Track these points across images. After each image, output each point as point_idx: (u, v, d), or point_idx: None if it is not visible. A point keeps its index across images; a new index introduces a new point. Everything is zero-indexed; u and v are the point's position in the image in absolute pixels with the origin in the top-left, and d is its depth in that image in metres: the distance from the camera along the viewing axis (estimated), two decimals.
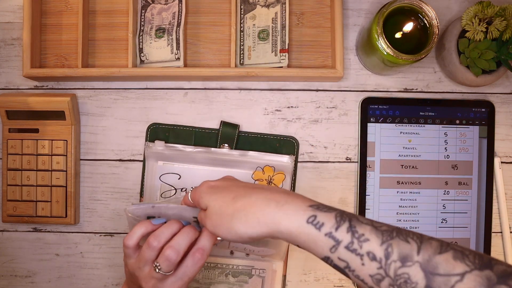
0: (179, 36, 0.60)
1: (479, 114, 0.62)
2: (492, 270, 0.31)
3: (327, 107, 0.63)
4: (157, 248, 0.44)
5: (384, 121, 0.62)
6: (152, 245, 0.44)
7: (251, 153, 0.60)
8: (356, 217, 0.37)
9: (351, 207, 0.62)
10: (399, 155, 0.62)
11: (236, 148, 0.61)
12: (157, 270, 0.43)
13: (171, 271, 0.44)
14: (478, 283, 0.31)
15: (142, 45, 0.61)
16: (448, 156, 0.62)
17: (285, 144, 0.61)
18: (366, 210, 0.61)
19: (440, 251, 0.33)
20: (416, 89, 0.63)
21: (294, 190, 0.62)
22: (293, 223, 0.37)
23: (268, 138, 0.62)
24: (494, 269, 0.31)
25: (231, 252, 0.58)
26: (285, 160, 0.60)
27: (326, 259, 0.37)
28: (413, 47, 0.56)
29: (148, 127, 0.62)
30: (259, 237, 0.39)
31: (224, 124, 0.61)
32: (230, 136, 0.61)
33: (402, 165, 0.62)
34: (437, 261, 0.32)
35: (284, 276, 0.60)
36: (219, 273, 0.59)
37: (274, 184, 0.60)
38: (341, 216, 0.37)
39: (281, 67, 0.61)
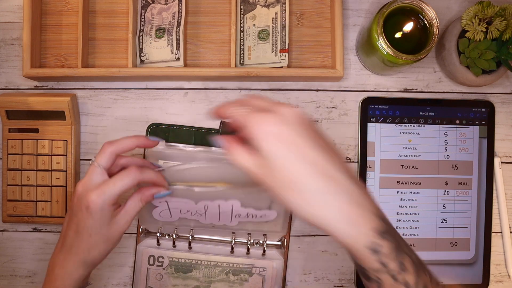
0: (179, 36, 0.60)
1: (479, 114, 0.62)
2: None
3: (327, 107, 0.63)
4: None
5: (384, 121, 0.62)
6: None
7: None
8: (401, 247, 0.38)
9: None
10: (399, 155, 0.62)
11: None
12: (90, 162, 0.47)
13: (102, 165, 0.46)
14: None
15: (142, 45, 0.61)
16: (448, 156, 0.62)
17: None
18: None
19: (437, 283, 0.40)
20: (416, 89, 0.63)
21: None
22: (351, 241, 0.36)
23: None
24: None
25: (232, 250, 0.59)
26: None
27: (362, 270, 0.38)
28: (413, 47, 0.56)
29: (148, 127, 0.62)
30: (319, 228, 0.36)
31: (223, 124, 0.61)
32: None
33: (402, 165, 0.62)
34: None
35: (284, 277, 0.60)
36: (219, 272, 0.59)
37: None
38: (397, 249, 0.37)
39: (281, 67, 0.61)
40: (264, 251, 0.58)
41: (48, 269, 0.48)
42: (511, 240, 0.62)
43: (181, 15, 0.61)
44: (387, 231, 0.36)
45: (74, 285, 0.47)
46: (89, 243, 0.46)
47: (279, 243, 0.60)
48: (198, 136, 0.61)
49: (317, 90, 0.63)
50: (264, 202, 0.55)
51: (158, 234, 0.58)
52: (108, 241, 0.47)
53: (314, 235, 0.62)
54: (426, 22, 0.55)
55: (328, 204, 0.35)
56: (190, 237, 0.58)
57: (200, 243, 0.59)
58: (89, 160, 0.62)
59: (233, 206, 0.55)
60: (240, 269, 0.59)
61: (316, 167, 0.35)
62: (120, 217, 0.47)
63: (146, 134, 0.62)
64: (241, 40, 0.62)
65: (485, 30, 0.55)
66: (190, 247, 0.59)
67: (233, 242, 0.58)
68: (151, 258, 0.59)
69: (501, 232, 0.63)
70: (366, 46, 0.58)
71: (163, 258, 0.59)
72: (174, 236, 0.58)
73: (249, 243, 0.58)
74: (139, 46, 0.61)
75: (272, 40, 0.62)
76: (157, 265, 0.59)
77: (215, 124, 0.62)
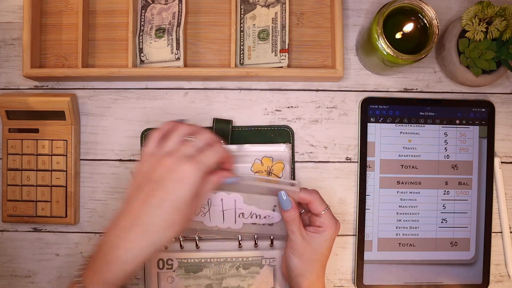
0: (179, 36, 0.60)
1: (479, 114, 0.62)
2: None
3: (327, 107, 0.63)
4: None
5: (384, 121, 0.62)
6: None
7: (247, 146, 0.60)
8: None
9: (351, 207, 0.62)
10: (399, 155, 0.62)
11: (231, 143, 0.61)
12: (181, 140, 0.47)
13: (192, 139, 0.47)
14: None
15: (142, 45, 0.61)
16: (448, 156, 0.62)
17: (280, 134, 0.61)
18: (366, 210, 0.61)
19: None
20: (416, 89, 0.63)
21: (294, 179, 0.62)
22: None
23: (262, 130, 0.61)
24: None
25: (239, 245, 0.59)
26: (282, 149, 0.60)
27: None
28: (413, 47, 0.56)
29: (142, 133, 0.62)
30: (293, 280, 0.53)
31: (217, 121, 0.61)
32: (224, 132, 0.61)
33: (402, 165, 0.62)
34: None
35: None
36: (229, 267, 0.59)
37: (274, 174, 0.60)
38: None
39: (281, 67, 0.61)
40: (272, 241, 0.58)
41: (102, 248, 0.44)
42: (511, 240, 0.62)
43: (181, 15, 0.61)
44: None
45: (132, 270, 0.43)
46: (171, 219, 0.43)
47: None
48: None
49: (317, 90, 0.63)
50: (267, 204, 0.55)
51: None
52: (187, 218, 0.45)
53: None
54: (426, 22, 0.55)
55: (312, 278, 0.53)
56: (197, 238, 0.58)
57: (207, 241, 0.59)
58: (89, 160, 0.62)
59: (235, 202, 0.55)
60: (249, 262, 0.59)
61: (325, 261, 0.54)
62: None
63: (141, 140, 0.62)
64: (241, 40, 0.62)
65: (485, 30, 0.55)
66: (197, 247, 0.59)
67: (239, 238, 0.58)
68: (160, 262, 0.59)
69: (501, 232, 0.63)
70: (366, 46, 0.58)
71: (172, 260, 0.59)
72: (180, 238, 0.58)
73: (256, 236, 0.58)
74: (139, 46, 0.61)
75: (272, 40, 0.62)
76: (167, 268, 0.59)
77: (208, 123, 0.62)
